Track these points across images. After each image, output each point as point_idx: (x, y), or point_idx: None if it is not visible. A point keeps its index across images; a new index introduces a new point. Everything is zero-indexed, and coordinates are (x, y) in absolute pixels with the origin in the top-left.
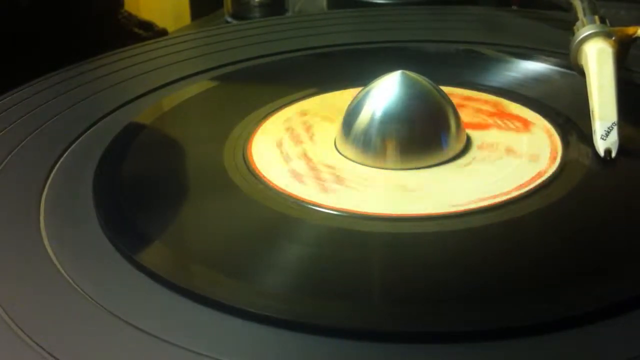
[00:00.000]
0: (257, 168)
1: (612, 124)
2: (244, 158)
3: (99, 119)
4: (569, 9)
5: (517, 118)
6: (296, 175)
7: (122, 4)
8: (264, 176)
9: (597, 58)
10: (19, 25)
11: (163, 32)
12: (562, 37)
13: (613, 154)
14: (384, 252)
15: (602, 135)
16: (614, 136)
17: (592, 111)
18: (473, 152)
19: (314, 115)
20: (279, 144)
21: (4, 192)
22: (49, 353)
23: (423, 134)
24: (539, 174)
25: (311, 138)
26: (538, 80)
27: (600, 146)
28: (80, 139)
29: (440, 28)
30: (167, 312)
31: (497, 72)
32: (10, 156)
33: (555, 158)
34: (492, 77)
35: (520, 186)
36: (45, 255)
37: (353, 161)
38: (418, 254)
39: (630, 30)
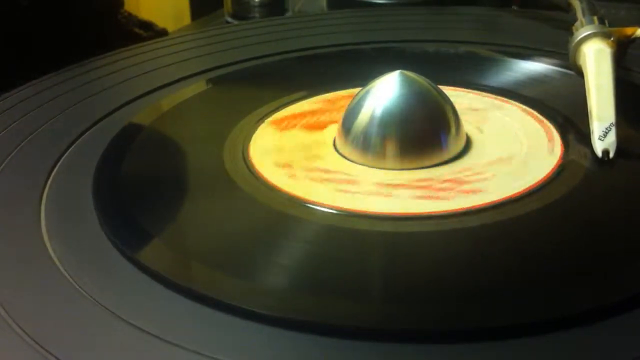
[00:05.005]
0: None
1: (610, 124)
2: (243, 158)
3: (99, 119)
4: (569, 9)
5: None
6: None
7: (122, 4)
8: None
9: (595, 58)
10: (18, 25)
11: (163, 32)
12: (562, 37)
13: (611, 155)
14: (384, 251)
15: (599, 135)
16: (611, 137)
17: (590, 112)
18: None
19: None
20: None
21: (4, 192)
22: (48, 352)
23: (422, 134)
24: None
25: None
26: (538, 80)
27: (598, 147)
28: (81, 138)
29: (440, 28)
30: (167, 311)
31: (497, 72)
32: (10, 156)
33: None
34: (492, 77)
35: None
36: (45, 255)
37: (352, 161)
38: (418, 254)
39: (629, 30)
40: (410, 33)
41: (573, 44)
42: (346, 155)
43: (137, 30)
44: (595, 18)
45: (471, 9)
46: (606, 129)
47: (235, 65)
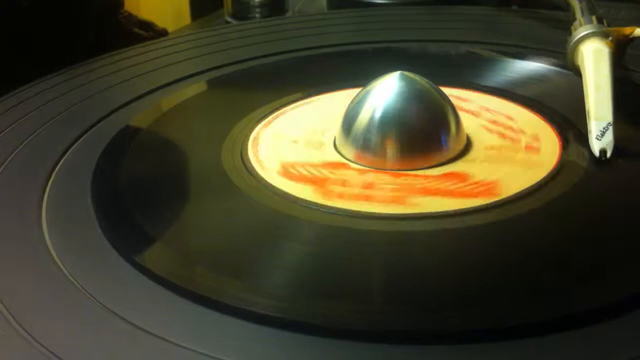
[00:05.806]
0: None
1: (608, 124)
2: (242, 158)
3: (99, 119)
4: (568, 8)
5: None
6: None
7: (122, 4)
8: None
9: (594, 58)
10: (19, 25)
11: (163, 32)
12: (562, 36)
13: (608, 154)
14: (384, 252)
15: (597, 135)
16: (609, 136)
17: (588, 111)
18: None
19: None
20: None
21: (5, 192)
22: (50, 351)
23: (422, 135)
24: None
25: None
26: (537, 80)
27: (596, 146)
28: (81, 139)
29: (440, 28)
30: (166, 312)
31: (497, 72)
32: (11, 156)
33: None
34: (492, 77)
35: None
36: (46, 255)
37: (352, 161)
38: (416, 254)
39: (627, 30)
40: (410, 33)
41: (571, 44)
42: (346, 155)
43: (137, 30)
44: (594, 18)
45: (471, 8)
46: (604, 128)
47: (235, 65)
